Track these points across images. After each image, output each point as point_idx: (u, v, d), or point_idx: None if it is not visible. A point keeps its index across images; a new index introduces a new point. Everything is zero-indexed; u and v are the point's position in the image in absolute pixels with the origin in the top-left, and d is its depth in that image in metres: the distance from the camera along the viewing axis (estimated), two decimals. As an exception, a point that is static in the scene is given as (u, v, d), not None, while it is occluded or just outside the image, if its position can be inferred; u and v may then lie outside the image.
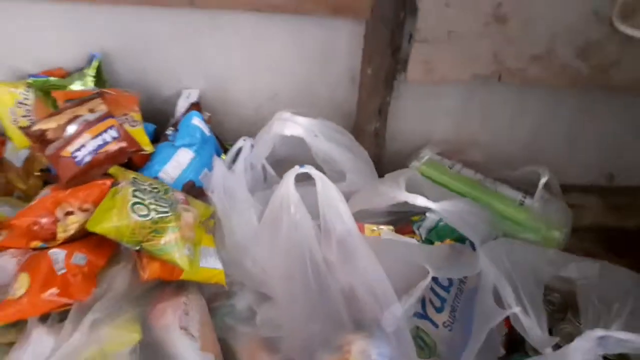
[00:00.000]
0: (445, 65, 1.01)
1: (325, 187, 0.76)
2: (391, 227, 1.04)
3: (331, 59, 1.15)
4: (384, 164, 1.22)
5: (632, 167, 1.33)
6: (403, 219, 1.09)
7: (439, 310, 0.91)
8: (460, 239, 1.00)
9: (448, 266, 0.89)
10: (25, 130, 0.91)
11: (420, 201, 0.86)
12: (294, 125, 0.90)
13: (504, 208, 1.05)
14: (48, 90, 1.08)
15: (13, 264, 0.89)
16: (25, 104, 1.09)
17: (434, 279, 0.94)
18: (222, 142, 1.11)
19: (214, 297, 0.99)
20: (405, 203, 1.06)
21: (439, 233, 1.04)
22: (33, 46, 1.13)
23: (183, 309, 0.88)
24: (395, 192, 0.88)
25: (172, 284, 0.91)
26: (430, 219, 1.07)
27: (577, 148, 1.29)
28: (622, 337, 0.62)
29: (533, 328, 0.69)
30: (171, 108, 1.16)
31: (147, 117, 1.07)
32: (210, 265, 0.92)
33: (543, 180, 1.00)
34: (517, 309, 0.70)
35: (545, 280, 0.83)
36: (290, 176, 0.77)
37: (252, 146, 0.98)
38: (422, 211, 1.08)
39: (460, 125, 1.23)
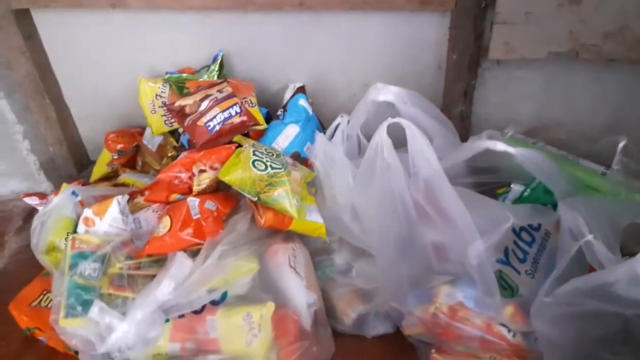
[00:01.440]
0: (524, 44, 1.11)
1: (413, 134, 0.88)
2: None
3: (419, 50, 1.29)
4: (470, 145, 1.32)
5: None
6: (488, 192, 1.18)
7: (521, 261, 0.99)
8: (543, 208, 1.07)
9: (528, 216, 0.97)
10: (168, 106, 1.12)
11: (500, 146, 0.95)
12: (386, 92, 1.04)
13: (586, 177, 1.11)
14: (181, 85, 1.30)
15: (155, 217, 1.10)
16: (162, 97, 1.32)
17: (517, 235, 1.02)
18: (322, 123, 1.28)
19: (316, 252, 1.14)
20: (491, 172, 1.16)
21: (522, 200, 1.12)
22: (169, 49, 1.38)
23: (292, 252, 1.04)
24: (476, 141, 0.98)
25: (282, 234, 1.07)
26: (515, 190, 1.15)
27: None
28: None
29: (604, 253, 0.76)
30: (279, 100, 1.34)
31: (260, 106, 1.27)
32: (314, 219, 1.07)
33: (621, 145, 1.05)
34: (589, 236, 0.77)
35: (622, 226, 0.89)
36: (383, 125, 0.91)
37: (349, 122, 1.13)
38: (508, 182, 1.17)
39: (542, 108, 1.31)
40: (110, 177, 1.44)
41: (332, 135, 1.14)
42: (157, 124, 1.33)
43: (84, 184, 1.35)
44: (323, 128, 1.24)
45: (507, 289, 0.94)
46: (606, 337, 0.72)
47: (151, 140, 1.40)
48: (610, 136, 1.13)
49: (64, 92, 1.50)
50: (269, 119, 1.23)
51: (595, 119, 1.30)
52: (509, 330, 0.93)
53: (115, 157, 1.42)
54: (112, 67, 1.44)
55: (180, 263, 0.93)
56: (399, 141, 0.95)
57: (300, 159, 1.15)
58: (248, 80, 1.34)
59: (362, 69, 1.34)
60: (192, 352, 0.95)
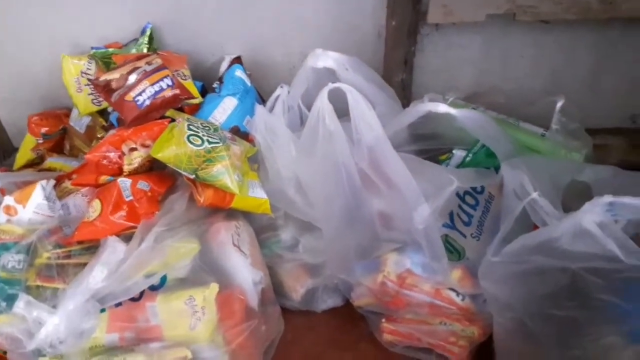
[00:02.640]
0: (462, 7, 1.10)
1: (355, 99, 0.85)
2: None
3: (358, 17, 1.25)
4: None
5: (655, 108, 1.38)
6: (431, 159, 1.16)
7: (466, 224, 0.98)
8: (487, 171, 1.07)
9: (472, 179, 0.97)
10: (93, 81, 1.04)
11: (442, 108, 0.94)
12: (325, 58, 1.00)
13: (526, 139, 1.11)
14: (107, 61, 1.22)
15: (85, 202, 1.03)
16: (88, 74, 1.23)
17: (461, 199, 1.02)
18: (262, 96, 1.22)
19: (262, 229, 1.10)
20: (433, 139, 1.15)
21: (465, 164, 1.12)
22: (94, 23, 1.29)
23: (235, 230, 0.99)
24: (418, 105, 0.96)
25: (224, 212, 1.02)
26: (457, 155, 1.15)
27: (598, 91, 1.34)
28: (630, 202, 0.68)
29: (549, 209, 0.76)
30: (215, 74, 1.28)
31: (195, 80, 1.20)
32: (257, 195, 1.02)
33: (559, 105, 1.06)
34: (534, 194, 0.77)
35: (563, 184, 0.89)
36: (324, 91, 0.87)
37: (289, 92, 1.08)
38: (450, 148, 1.16)
39: (481, 73, 1.31)
40: (36, 163, 1.34)
41: (273, 107, 1.10)
42: (83, 103, 1.24)
43: (8, 170, 1.25)
44: (263, 101, 1.19)
45: (454, 252, 0.94)
46: (553, 293, 0.73)
47: (79, 122, 1.31)
48: (548, 97, 1.14)
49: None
50: (204, 92, 1.17)
51: (533, 81, 1.31)
52: (458, 294, 0.93)
53: (40, 141, 1.32)
54: (31, 45, 1.34)
55: (113, 248, 0.87)
56: (342, 110, 0.92)
57: (240, 133, 1.09)
58: (181, 53, 1.26)
59: (301, 39, 1.30)
60: (132, 342, 0.90)
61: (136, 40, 1.24)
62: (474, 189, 1.03)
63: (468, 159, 1.12)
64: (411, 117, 0.97)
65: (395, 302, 0.97)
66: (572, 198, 0.93)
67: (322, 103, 0.85)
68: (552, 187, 0.87)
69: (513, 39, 1.26)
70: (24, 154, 1.34)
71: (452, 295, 0.93)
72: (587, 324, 0.74)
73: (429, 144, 1.16)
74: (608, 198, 0.69)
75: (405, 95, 1.30)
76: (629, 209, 0.69)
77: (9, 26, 1.30)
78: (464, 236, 0.96)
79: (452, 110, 0.93)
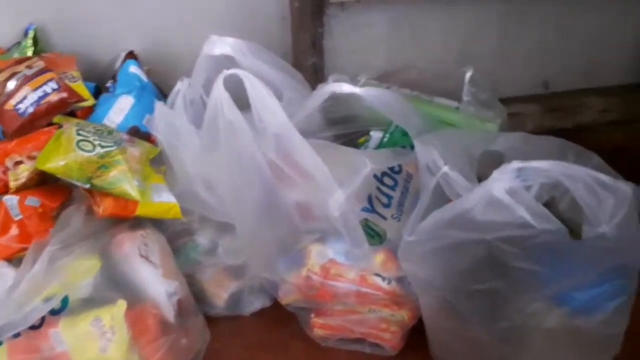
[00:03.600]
0: (364, -16, 1.06)
1: (253, 85, 0.80)
2: (338, 149, 1.08)
3: (260, 2, 1.19)
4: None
5: (565, 72, 1.40)
6: (349, 143, 1.13)
7: (386, 206, 0.95)
8: (404, 150, 1.05)
9: (387, 160, 0.94)
10: (-35, 93, 0.93)
11: (345, 88, 0.89)
12: (222, 44, 0.94)
13: (441, 113, 1.10)
14: (-12, 68, 1.10)
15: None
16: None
17: (379, 180, 0.98)
18: (164, 93, 1.14)
19: (176, 235, 1.03)
20: (350, 122, 1.12)
21: (383, 146, 1.09)
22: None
23: (141, 240, 0.92)
24: (323, 87, 0.92)
25: (128, 222, 0.94)
26: (375, 137, 1.12)
27: (510, 59, 1.35)
28: (538, 166, 0.67)
29: (461, 182, 0.73)
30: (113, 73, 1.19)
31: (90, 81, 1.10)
32: (164, 200, 0.95)
33: (468, 75, 1.05)
34: (445, 168, 0.74)
35: (477, 155, 0.87)
36: (219, 79, 0.81)
37: (190, 85, 1.01)
38: (367, 131, 1.13)
39: (393, 51, 1.29)
40: None
41: (174, 103, 1.02)
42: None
43: None
44: (164, 97, 1.11)
45: (375, 236, 0.90)
46: (473, 267, 0.71)
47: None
48: (459, 69, 1.13)
49: None
50: (98, 94, 1.08)
51: (445, 55, 1.30)
52: (383, 279, 0.90)
53: None
54: None
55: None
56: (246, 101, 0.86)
57: (141, 134, 1.02)
58: (72, 53, 1.16)
59: (201, 26, 1.21)
60: (38, 374, 0.81)
61: (19, 43, 1.13)
62: (391, 169, 1.00)
63: (385, 139, 1.10)
64: (317, 100, 0.92)
65: (322, 294, 0.92)
66: (488, 169, 0.92)
67: (219, 92, 0.80)
68: (466, 159, 0.85)
69: (421, 13, 1.25)
70: None
71: (378, 280, 0.90)
72: (510, 295, 0.72)
73: (345, 128, 1.12)
74: (516, 164, 0.67)
75: (318, 79, 1.25)
76: (538, 173, 0.68)
77: None
78: (384, 218, 0.93)
79: (357, 90, 0.89)
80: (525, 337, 0.79)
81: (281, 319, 1.02)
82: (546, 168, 0.67)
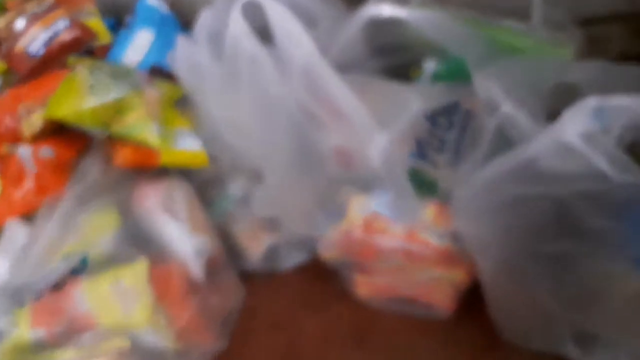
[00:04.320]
0: None
1: (275, 11, 0.67)
2: (387, 83, 0.94)
3: None
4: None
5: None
6: (402, 76, 0.99)
7: (439, 151, 0.82)
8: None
9: (440, 96, 0.80)
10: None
11: (386, 10, 0.75)
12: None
13: (507, 37, 0.93)
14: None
15: (-6, 177, 0.87)
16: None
17: (432, 121, 0.85)
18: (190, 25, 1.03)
19: (205, 184, 0.95)
20: (401, 51, 0.96)
21: (439, 78, 0.94)
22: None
23: (165, 192, 0.84)
24: (360, 11, 0.78)
25: (151, 172, 0.86)
26: (428, 68, 0.96)
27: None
28: (621, 104, 0.52)
29: (526, 124, 0.59)
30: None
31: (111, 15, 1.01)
32: (189, 147, 0.87)
33: (537, -9, 0.87)
34: (504, 106, 0.60)
35: (547, 88, 0.72)
36: (236, 7, 0.69)
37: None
38: (419, 58, 0.98)
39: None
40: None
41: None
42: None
43: None
44: (189, 30, 1.00)
45: (425, 187, 0.78)
46: (540, 226, 0.58)
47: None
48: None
49: None
50: (119, 30, 0.98)
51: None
52: (435, 235, 0.78)
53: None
54: None
55: (12, 233, 0.73)
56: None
57: (164, 72, 0.92)
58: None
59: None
60: (63, 335, 0.77)
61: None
62: (446, 107, 0.86)
63: (440, 71, 0.94)
64: (353, 27, 0.79)
65: (364, 251, 0.82)
66: (561, 103, 0.76)
67: (236, 23, 0.68)
68: (535, 94, 0.70)
69: None
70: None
71: (429, 236, 0.78)
72: (583, 257, 0.60)
73: (394, 58, 0.96)
74: (593, 101, 0.53)
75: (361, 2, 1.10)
76: (622, 112, 0.53)
77: None
78: (436, 166, 0.80)
79: (400, 12, 0.74)
80: (599, 303, 0.66)
81: (322, 276, 0.93)
82: (630, 106, 0.53)
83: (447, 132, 0.85)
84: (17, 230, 0.74)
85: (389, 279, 0.85)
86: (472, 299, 0.84)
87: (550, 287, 0.63)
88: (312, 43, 0.67)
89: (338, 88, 0.68)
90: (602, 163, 0.50)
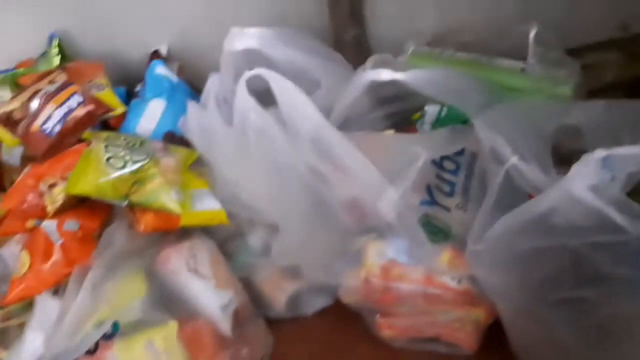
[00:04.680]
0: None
1: (281, 86, 0.70)
2: (391, 132, 0.97)
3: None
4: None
5: (647, 9, 1.20)
6: (404, 121, 1.02)
7: (449, 194, 0.85)
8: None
9: (445, 144, 0.83)
10: (-7, 118, 0.90)
11: (385, 75, 0.78)
12: (243, 37, 0.84)
13: (504, 77, 0.96)
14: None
15: (19, 250, 0.90)
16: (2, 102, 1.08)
17: (439, 166, 0.88)
18: (198, 89, 1.07)
19: (226, 239, 0.97)
20: (402, 99, 1.00)
21: (443, 123, 0.97)
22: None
23: (188, 252, 0.87)
24: (359, 75, 0.81)
25: (173, 234, 0.89)
26: (431, 111, 0.99)
27: (578, 1, 1.17)
28: (628, 153, 0.54)
29: (534, 173, 0.62)
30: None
31: (122, 84, 1.05)
32: (208, 207, 0.89)
33: (532, 33, 0.90)
34: (513, 158, 0.63)
35: (549, 132, 0.74)
36: (241, 82, 0.72)
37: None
38: (421, 106, 1.01)
39: (444, 11, 1.15)
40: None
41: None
42: (5, 135, 1.09)
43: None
44: (198, 94, 1.04)
45: (439, 232, 0.81)
46: (557, 275, 0.59)
47: (10, 154, 1.16)
48: (520, 26, 0.98)
49: None
50: (130, 98, 1.02)
51: (502, 9, 1.14)
52: (453, 278, 0.80)
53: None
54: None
55: (44, 307, 0.76)
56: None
57: (177, 138, 0.95)
58: (101, 56, 1.11)
59: (233, 13, 1.13)
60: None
61: (45, 53, 1.09)
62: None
63: (443, 114, 0.97)
64: (356, 90, 0.82)
65: (384, 297, 0.84)
66: (565, 146, 0.79)
67: (242, 96, 0.71)
68: (537, 139, 0.72)
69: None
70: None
71: (447, 280, 0.80)
72: (602, 302, 0.61)
73: (397, 106, 1.00)
74: (601, 153, 0.55)
75: (363, 53, 1.13)
76: (629, 161, 0.55)
77: None
78: (448, 210, 0.83)
79: (398, 76, 0.78)
80: (618, 342, 0.67)
81: (346, 319, 0.94)
82: (638, 154, 0.54)
83: (454, 175, 0.88)
84: (48, 304, 0.76)
85: (410, 320, 0.87)
86: (494, 333, 0.86)
87: (569, 330, 0.65)
88: (318, 113, 0.70)
89: (347, 151, 0.71)
90: (615, 215, 0.52)
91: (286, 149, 0.73)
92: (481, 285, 0.78)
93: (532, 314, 0.66)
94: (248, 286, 0.95)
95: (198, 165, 0.96)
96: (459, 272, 0.80)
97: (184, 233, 0.90)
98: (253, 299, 0.94)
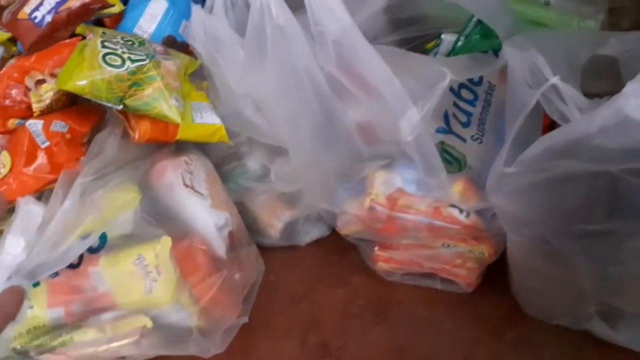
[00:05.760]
0: None
1: (307, -21, 0.64)
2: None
3: None
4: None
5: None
6: (416, 48, 0.96)
7: (465, 124, 0.81)
8: (483, 56, 0.87)
9: (468, 69, 0.78)
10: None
11: None
12: None
13: (527, 10, 0.90)
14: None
15: None
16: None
17: (456, 94, 0.83)
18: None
19: (224, 159, 0.92)
20: (416, 24, 0.94)
21: (456, 52, 0.92)
22: None
23: (185, 167, 0.81)
24: None
25: (169, 147, 0.84)
26: (447, 40, 0.93)
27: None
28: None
29: (575, 97, 0.57)
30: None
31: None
32: (207, 121, 0.83)
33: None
34: (554, 79, 0.58)
35: (582, 62, 0.70)
36: (263, -26, 0.65)
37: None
38: (437, 33, 0.96)
39: None
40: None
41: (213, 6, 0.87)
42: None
43: None
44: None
45: (453, 162, 0.77)
46: (586, 205, 0.56)
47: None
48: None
49: None
50: (129, -1, 0.94)
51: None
52: (461, 211, 0.77)
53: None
54: None
55: (26, 212, 0.70)
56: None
57: (178, 44, 0.88)
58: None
59: None
60: (82, 314, 0.75)
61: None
62: (470, 80, 0.84)
63: (460, 43, 0.91)
64: (377, 2, 0.75)
65: (388, 227, 0.81)
66: (594, 79, 0.75)
67: (264, -10, 0.64)
68: (569, 68, 0.68)
69: None
70: None
71: (455, 212, 0.77)
72: (628, 237, 0.59)
73: (412, 31, 0.95)
74: (657, 73, 0.50)
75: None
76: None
77: None
78: (464, 140, 0.79)
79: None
80: (636, 282, 0.66)
81: (341, 250, 0.92)
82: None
83: (472, 105, 0.84)
84: (31, 209, 0.71)
85: (410, 254, 0.85)
86: (494, 273, 0.84)
87: (587, 265, 0.63)
88: (347, 13, 0.64)
89: (373, 62, 0.65)
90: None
91: (307, 52, 0.66)
92: (490, 218, 0.76)
93: (549, 248, 0.63)
94: (243, 211, 0.91)
95: (197, 78, 0.90)
96: (468, 205, 0.77)
97: (179, 148, 0.85)
98: (247, 225, 0.91)
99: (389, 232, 0.82)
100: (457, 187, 0.76)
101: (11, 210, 0.77)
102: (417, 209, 0.78)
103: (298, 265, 0.94)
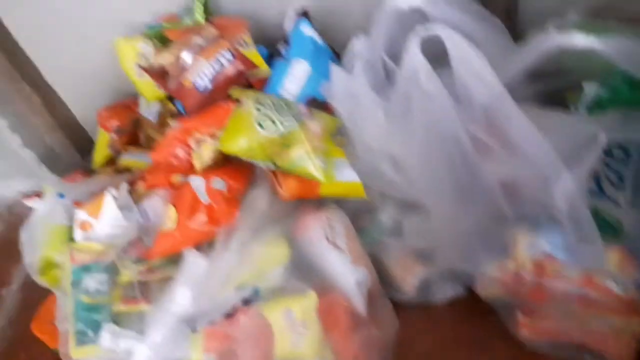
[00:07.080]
0: None
1: (458, 47, 0.65)
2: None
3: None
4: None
5: None
6: (555, 101, 0.93)
7: (618, 187, 0.76)
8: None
9: (622, 127, 0.74)
10: (146, 69, 0.91)
11: (580, 41, 0.70)
12: (409, -5, 0.78)
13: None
14: (164, 38, 1.08)
15: (162, 204, 0.92)
16: (147, 56, 1.10)
17: (607, 152, 0.79)
18: (336, 52, 1.03)
19: (357, 214, 0.94)
20: (553, 75, 0.91)
21: (603, 106, 0.87)
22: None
23: (326, 222, 0.85)
24: (542, 39, 0.73)
25: (310, 203, 0.87)
26: (589, 91, 0.90)
27: None
28: None
29: None
30: (283, 34, 1.10)
31: (259, 43, 1.03)
32: (346, 179, 0.86)
33: None
34: None
35: None
36: (413, 41, 0.67)
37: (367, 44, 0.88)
38: (577, 83, 0.91)
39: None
40: (114, 161, 1.26)
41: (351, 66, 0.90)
42: (147, 89, 1.12)
43: (84, 174, 1.18)
44: (338, 58, 1.00)
45: (607, 229, 0.72)
46: None
47: (148, 110, 1.19)
48: None
49: (44, 73, 1.30)
50: (270, 59, 1.00)
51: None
52: (617, 282, 0.72)
53: (114, 137, 1.23)
54: (87, 34, 1.22)
55: (192, 265, 0.76)
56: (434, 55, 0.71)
57: (318, 103, 0.92)
58: (240, 14, 1.10)
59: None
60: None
61: (189, 8, 1.09)
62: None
63: (603, 95, 0.87)
64: (532, 55, 0.74)
65: (534, 294, 0.78)
66: None
67: (414, 57, 0.66)
68: None
69: None
70: (100, 152, 1.26)
71: (610, 283, 0.73)
72: None
73: (548, 83, 0.91)
74: None
75: (510, 26, 1.04)
76: None
77: (59, 17, 1.19)
78: (618, 204, 0.74)
79: (595, 43, 0.69)
80: None
81: (478, 312, 0.88)
82: None
83: (625, 166, 0.79)
84: (196, 261, 0.77)
85: (557, 323, 0.80)
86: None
87: None
88: (498, 81, 0.64)
89: (523, 126, 0.64)
90: None
91: (453, 117, 0.67)
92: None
93: None
94: (377, 266, 0.91)
95: (335, 134, 0.93)
96: (626, 276, 0.72)
97: (319, 203, 0.89)
98: (380, 280, 0.91)
99: (536, 299, 0.79)
100: (613, 257, 0.72)
101: (171, 259, 0.84)
102: (567, 277, 0.75)
103: (433, 325, 0.91)
